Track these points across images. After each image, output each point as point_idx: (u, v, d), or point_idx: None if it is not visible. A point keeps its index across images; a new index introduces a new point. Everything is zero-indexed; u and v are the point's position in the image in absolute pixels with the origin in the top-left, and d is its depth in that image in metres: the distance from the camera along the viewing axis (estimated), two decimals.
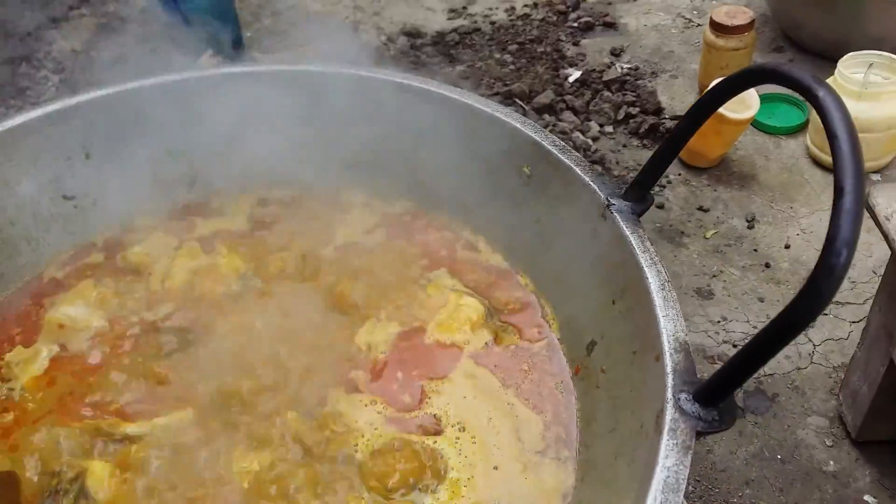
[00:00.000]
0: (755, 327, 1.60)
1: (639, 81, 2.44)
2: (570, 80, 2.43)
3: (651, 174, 1.06)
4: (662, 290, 0.96)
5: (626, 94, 2.37)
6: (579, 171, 1.13)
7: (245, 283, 1.27)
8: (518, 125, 1.21)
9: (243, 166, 1.41)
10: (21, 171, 1.27)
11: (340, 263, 1.29)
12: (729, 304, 1.68)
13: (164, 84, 1.34)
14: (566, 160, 1.15)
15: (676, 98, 2.37)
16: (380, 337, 1.17)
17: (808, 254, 1.80)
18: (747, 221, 1.90)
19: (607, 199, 1.08)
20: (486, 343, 1.17)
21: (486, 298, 1.23)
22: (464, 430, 1.06)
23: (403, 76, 1.34)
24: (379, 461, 1.01)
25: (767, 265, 1.78)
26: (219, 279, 1.27)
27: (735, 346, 1.57)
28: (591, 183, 1.11)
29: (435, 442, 1.05)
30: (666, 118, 2.29)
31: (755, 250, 1.82)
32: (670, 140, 1.00)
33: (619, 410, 0.99)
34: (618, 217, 1.05)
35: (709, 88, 0.94)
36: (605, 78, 2.42)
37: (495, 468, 1.02)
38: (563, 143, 1.17)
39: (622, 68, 2.49)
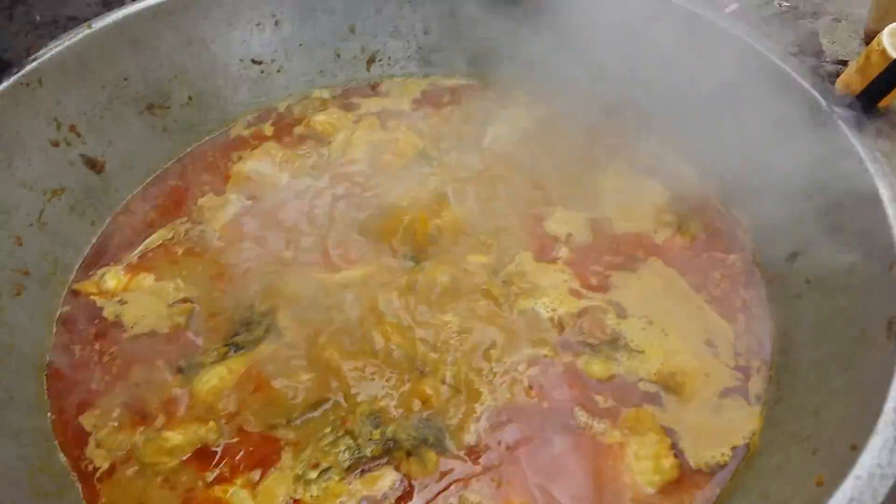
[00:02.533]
0: None
1: (799, 21, 2.31)
2: (727, 10, 2.31)
3: (878, 87, 1.00)
4: (894, 202, 0.91)
5: (785, 33, 2.24)
6: (798, 77, 1.07)
7: (425, 159, 1.26)
8: (731, 28, 1.15)
9: (417, 51, 1.40)
10: (215, 31, 1.29)
11: (516, 148, 1.27)
12: None
13: None
14: (785, 66, 1.09)
15: (838, 42, 2.24)
16: (567, 220, 1.16)
17: None
18: None
19: (831, 107, 1.02)
20: (672, 232, 1.14)
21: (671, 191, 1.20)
22: (651, 324, 1.04)
23: None
24: (565, 320, 1.02)
25: None
26: (398, 153, 1.27)
27: None
28: (812, 89, 1.05)
29: (619, 324, 1.03)
30: (826, 61, 2.17)
31: None
32: None
33: (830, 320, 0.95)
34: (844, 126, 1.00)
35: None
36: (764, 14, 2.29)
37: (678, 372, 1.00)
38: (775, 47, 1.11)
39: (781, 5, 2.35)
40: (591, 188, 1.20)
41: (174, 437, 0.93)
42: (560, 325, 1.03)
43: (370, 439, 0.92)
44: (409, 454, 0.91)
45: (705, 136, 1.22)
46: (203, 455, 0.92)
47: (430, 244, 1.12)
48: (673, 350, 1.01)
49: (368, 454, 0.91)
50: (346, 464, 0.90)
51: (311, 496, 0.88)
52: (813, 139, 1.04)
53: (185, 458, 0.92)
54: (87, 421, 0.98)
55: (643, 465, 0.91)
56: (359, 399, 0.95)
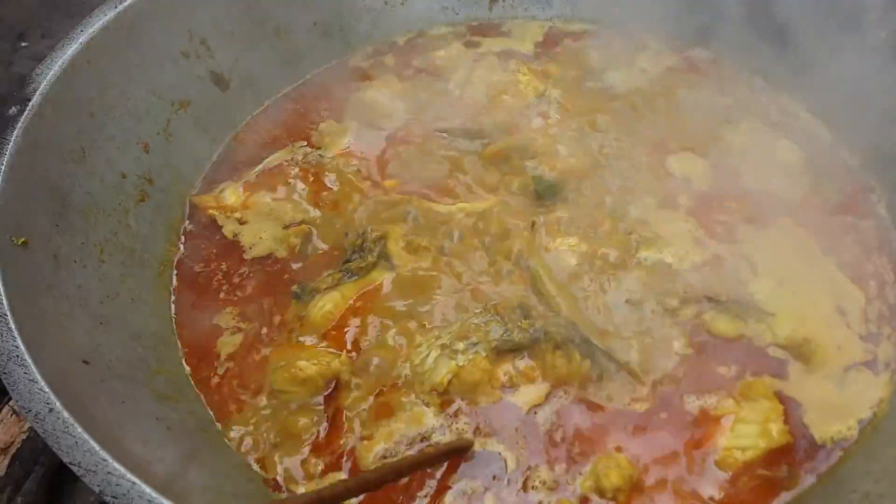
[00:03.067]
0: None
1: None
2: None
3: None
4: None
5: None
6: None
7: (545, 102, 1.24)
8: None
9: None
10: None
11: (642, 94, 1.24)
12: None
13: None
14: None
15: None
16: (694, 169, 1.12)
17: None
18: None
19: None
20: (804, 193, 1.09)
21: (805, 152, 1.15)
22: (781, 285, 1.00)
23: None
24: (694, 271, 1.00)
25: None
26: (518, 94, 1.24)
27: None
28: None
29: (748, 283, 1.00)
30: None
31: None
32: None
33: None
34: None
35: None
36: None
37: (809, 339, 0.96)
38: None
39: None
40: (722, 141, 1.16)
41: (308, 367, 0.92)
42: (685, 277, 1.00)
43: (519, 326, 0.91)
44: (556, 347, 0.90)
45: (843, 97, 1.17)
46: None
47: (549, 186, 1.10)
48: (804, 315, 0.97)
49: (516, 339, 0.91)
50: (494, 343, 0.90)
51: (457, 365, 0.89)
52: None
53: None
54: (209, 337, 0.99)
55: (746, 428, 0.88)
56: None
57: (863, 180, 1.13)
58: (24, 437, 1.15)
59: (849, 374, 0.93)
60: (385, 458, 0.85)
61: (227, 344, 0.98)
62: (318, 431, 0.88)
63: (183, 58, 1.15)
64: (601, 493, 0.82)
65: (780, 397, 0.90)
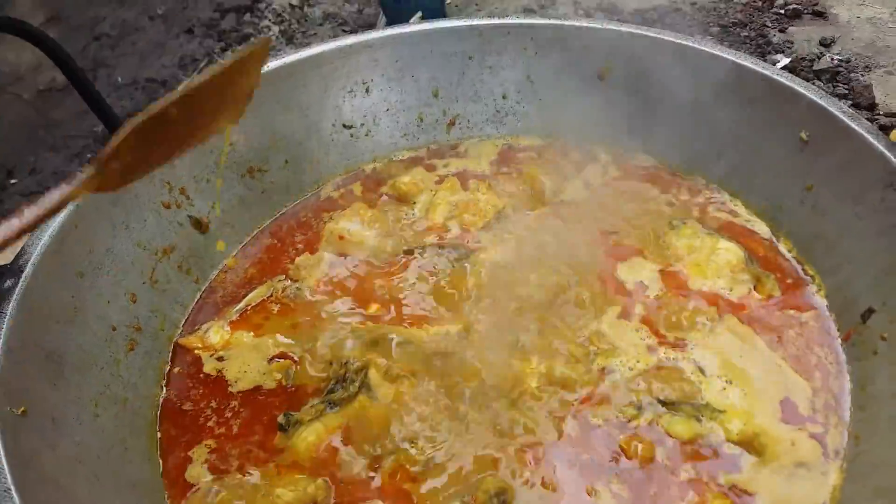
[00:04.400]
0: None
1: (851, 74, 2.35)
2: (779, 66, 2.37)
3: None
4: None
5: (837, 87, 2.29)
6: (871, 139, 1.12)
7: (503, 219, 1.33)
8: (801, 89, 1.21)
9: (494, 114, 1.49)
10: (311, 98, 1.39)
11: (590, 205, 1.34)
12: None
13: (429, 32, 1.43)
14: (857, 127, 1.14)
15: (892, 95, 2.27)
16: (643, 275, 1.21)
17: None
18: None
19: None
20: (748, 290, 1.18)
21: (746, 250, 1.24)
22: (731, 383, 1.08)
23: (663, 32, 1.37)
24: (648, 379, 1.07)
25: None
26: (479, 213, 1.34)
27: None
28: (887, 151, 1.10)
29: (700, 384, 1.07)
30: (880, 114, 2.20)
31: None
32: None
33: None
34: None
35: None
36: (816, 67, 2.34)
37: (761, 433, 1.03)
38: (851, 110, 1.16)
39: (833, 59, 2.40)
40: (666, 246, 1.26)
41: (286, 493, 0.98)
42: (638, 384, 1.08)
43: None
44: None
45: (777, 193, 1.28)
46: None
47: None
48: (754, 410, 1.04)
49: None
50: None
51: None
52: (889, 200, 1.09)
53: None
54: (192, 473, 1.03)
55: None
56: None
57: (800, 271, 1.22)
58: None
59: (799, 470, 0.99)
60: None
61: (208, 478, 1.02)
62: None
63: (164, 208, 1.23)
64: None
65: (736, 491, 0.96)
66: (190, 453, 1.05)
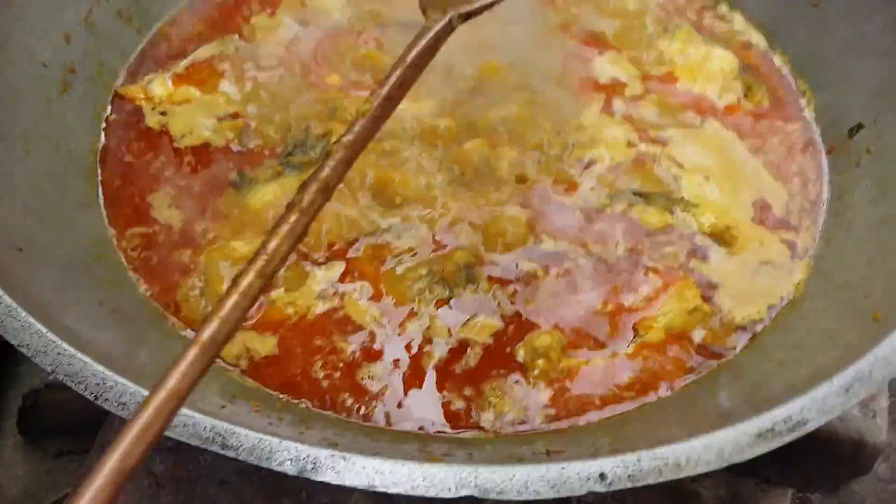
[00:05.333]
0: None
1: None
2: None
3: None
4: None
5: None
6: None
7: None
8: None
9: None
10: None
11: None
12: None
13: None
14: None
15: None
16: (624, 71, 1.14)
17: None
18: None
19: None
20: (737, 98, 1.13)
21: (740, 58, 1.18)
22: (707, 180, 1.05)
23: None
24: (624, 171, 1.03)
25: None
26: None
27: None
28: None
29: (676, 180, 1.04)
30: None
31: None
32: None
33: (889, 185, 0.97)
34: None
35: None
36: None
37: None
38: None
39: None
40: (657, 49, 1.18)
41: (241, 246, 0.92)
42: (614, 175, 1.03)
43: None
44: None
45: (780, 8, 1.20)
46: None
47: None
48: (728, 206, 1.02)
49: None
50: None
51: None
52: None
53: None
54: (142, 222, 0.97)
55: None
56: None
57: (793, 85, 1.17)
58: None
59: (765, 267, 0.98)
60: None
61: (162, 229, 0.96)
62: None
63: None
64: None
65: (700, 283, 0.95)
66: (148, 200, 0.98)
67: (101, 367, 0.64)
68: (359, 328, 0.88)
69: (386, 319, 0.89)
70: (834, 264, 0.96)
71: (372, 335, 0.88)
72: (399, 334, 0.88)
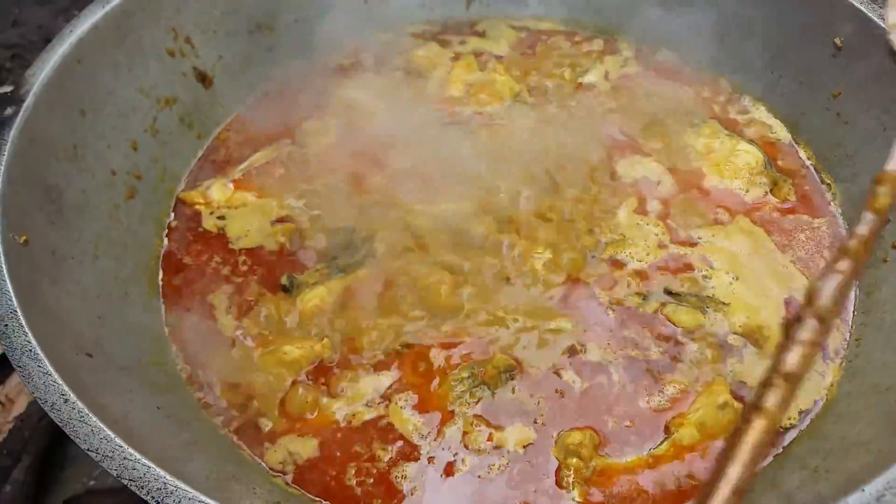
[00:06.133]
0: None
1: None
2: None
3: None
4: None
5: None
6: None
7: (519, 102, 1.29)
8: None
9: None
10: None
11: (607, 96, 1.30)
12: None
13: None
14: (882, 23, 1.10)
15: None
16: (654, 170, 1.19)
17: None
18: None
19: None
20: (764, 192, 1.17)
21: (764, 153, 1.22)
22: (737, 279, 1.08)
23: None
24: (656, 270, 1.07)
25: None
26: (495, 94, 1.29)
27: None
28: None
29: (707, 279, 1.08)
30: None
31: None
32: None
33: None
34: None
35: None
36: None
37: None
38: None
39: None
40: (684, 144, 1.23)
41: (293, 350, 0.97)
42: (647, 275, 1.07)
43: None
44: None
45: (801, 99, 1.25)
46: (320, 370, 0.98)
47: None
48: (758, 306, 1.05)
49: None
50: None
51: None
52: None
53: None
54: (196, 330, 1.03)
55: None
56: None
57: (817, 178, 1.21)
58: (10, 426, 1.18)
59: None
60: None
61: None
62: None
63: (168, 56, 1.17)
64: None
65: (732, 382, 0.98)
66: (208, 299, 1.05)
67: (163, 472, 0.69)
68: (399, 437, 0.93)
69: (426, 428, 0.93)
70: (865, 364, 0.98)
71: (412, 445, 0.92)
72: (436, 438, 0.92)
